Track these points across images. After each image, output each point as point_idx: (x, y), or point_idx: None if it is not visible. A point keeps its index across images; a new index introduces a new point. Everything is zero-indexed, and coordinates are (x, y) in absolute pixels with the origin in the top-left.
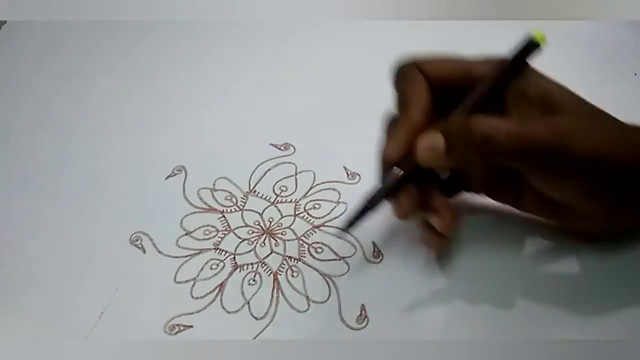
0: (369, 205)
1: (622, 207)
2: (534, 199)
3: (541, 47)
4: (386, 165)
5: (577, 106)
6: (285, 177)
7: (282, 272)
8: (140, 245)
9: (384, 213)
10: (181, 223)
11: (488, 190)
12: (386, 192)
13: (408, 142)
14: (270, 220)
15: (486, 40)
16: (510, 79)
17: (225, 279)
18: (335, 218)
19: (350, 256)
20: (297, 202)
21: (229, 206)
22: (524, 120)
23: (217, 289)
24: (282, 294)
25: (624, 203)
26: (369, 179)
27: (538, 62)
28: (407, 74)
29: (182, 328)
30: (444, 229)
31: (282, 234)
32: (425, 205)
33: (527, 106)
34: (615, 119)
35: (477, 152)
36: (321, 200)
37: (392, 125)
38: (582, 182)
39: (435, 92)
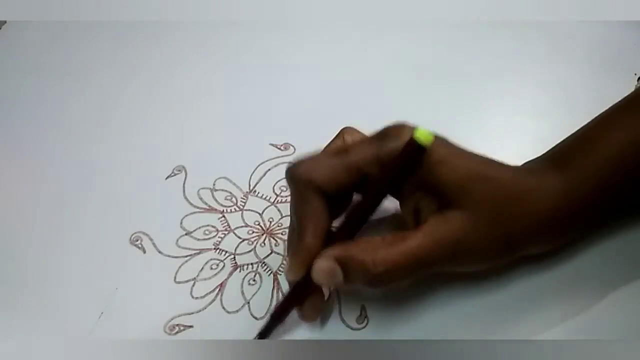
0: (275, 317)
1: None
2: None
3: (428, 147)
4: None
5: (470, 195)
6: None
7: (282, 272)
8: (140, 245)
9: (384, 213)
10: (181, 223)
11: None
12: (293, 298)
13: (305, 266)
14: (270, 220)
15: (486, 42)
16: (400, 180)
17: (225, 279)
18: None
19: None
20: None
21: (229, 206)
22: (420, 220)
23: (217, 289)
24: (282, 294)
25: (522, 254)
26: None
27: (539, 62)
28: (301, 195)
29: (182, 328)
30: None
31: (282, 234)
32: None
33: (423, 195)
34: (520, 179)
35: (376, 285)
36: None
37: (292, 242)
38: (485, 262)
39: (330, 196)
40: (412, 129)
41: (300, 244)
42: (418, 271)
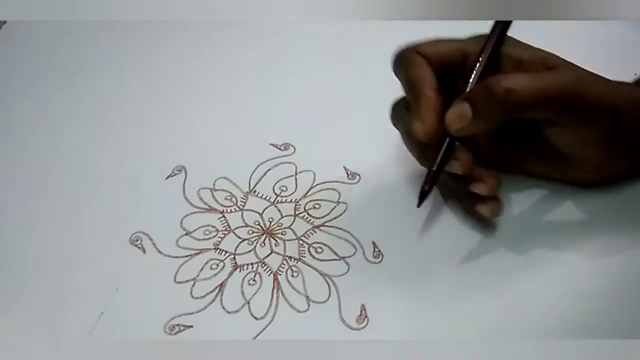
0: (434, 172)
1: (621, 153)
2: (538, 158)
3: None
4: (420, 147)
5: (573, 66)
6: (285, 177)
7: (282, 272)
8: (140, 245)
9: (384, 213)
10: (181, 223)
11: (494, 160)
12: (441, 159)
13: (436, 119)
14: (270, 220)
15: None
16: (501, 44)
17: (225, 279)
18: (335, 218)
19: (350, 256)
20: (297, 202)
21: (229, 206)
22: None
23: (217, 289)
24: (282, 294)
25: (622, 149)
26: (369, 179)
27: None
28: (410, 60)
29: (182, 328)
30: (492, 191)
31: (282, 234)
32: (465, 179)
33: (528, 69)
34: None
35: (502, 109)
36: (321, 200)
37: (407, 110)
38: (594, 128)
39: (435, 73)
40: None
41: (421, 99)
42: (544, 100)
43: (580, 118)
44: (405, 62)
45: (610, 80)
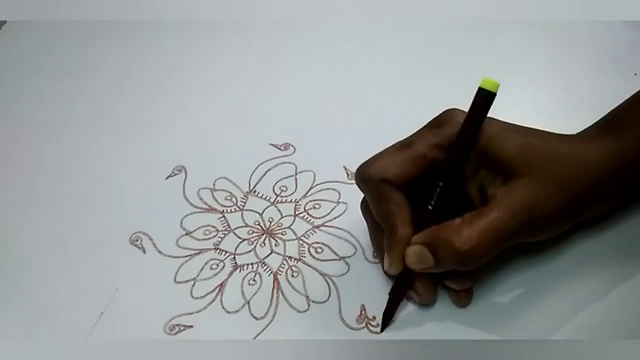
0: (393, 299)
1: (592, 212)
2: None
3: (495, 92)
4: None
5: (531, 162)
6: (285, 177)
7: (282, 272)
8: (140, 245)
9: None
10: (181, 223)
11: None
12: (399, 288)
13: (403, 258)
14: (270, 220)
15: (487, 42)
16: (469, 150)
17: (225, 279)
18: (335, 218)
19: (350, 256)
20: (297, 202)
21: (229, 206)
22: (489, 196)
23: (217, 289)
24: (282, 294)
25: (592, 213)
26: None
27: (539, 62)
28: (380, 194)
29: (182, 328)
30: (462, 287)
31: (282, 234)
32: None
33: (486, 172)
34: (569, 150)
35: (462, 265)
36: (321, 200)
37: (377, 241)
38: (557, 227)
39: (409, 193)
40: (463, 112)
41: (394, 238)
42: (501, 244)
43: (539, 232)
44: (377, 194)
45: (572, 162)
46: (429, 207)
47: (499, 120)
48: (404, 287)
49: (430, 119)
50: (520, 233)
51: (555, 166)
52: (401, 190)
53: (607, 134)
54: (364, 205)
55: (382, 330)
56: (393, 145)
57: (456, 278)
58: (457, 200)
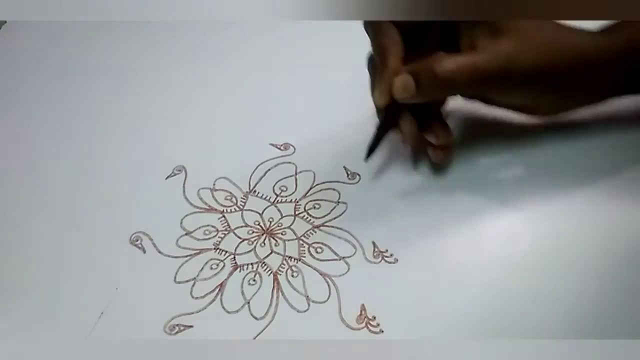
0: (379, 131)
1: (569, 97)
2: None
3: None
4: (380, 108)
5: (519, 27)
6: (285, 177)
7: (282, 272)
8: (140, 245)
9: (384, 213)
10: (181, 223)
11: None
12: (385, 123)
13: (390, 89)
14: (270, 220)
15: None
16: None
17: (225, 279)
18: (335, 218)
19: (350, 256)
20: (297, 202)
21: (229, 206)
22: (477, 48)
23: (217, 289)
24: (282, 294)
25: (569, 95)
26: (369, 179)
27: None
28: (379, 27)
29: (182, 328)
30: (443, 142)
31: (282, 234)
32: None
33: (478, 32)
34: (559, 29)
35: (441, 90)
36: (321, 200)
37: (375, 70)
38: (531, 89)
39: (404, 32)
40: None
41: (385, 70)
42: (475, 79)
43: (514, 86)
44: (375, 29)
45: (556, 37)
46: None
47: None
48: (390, 123)
49: None
50: (496, 79)
51: (541, 33)
52: (399, 29)
53: (598, 32)
54: (370, 59)
55: (366, 159)
56: None
57: (437, 130)
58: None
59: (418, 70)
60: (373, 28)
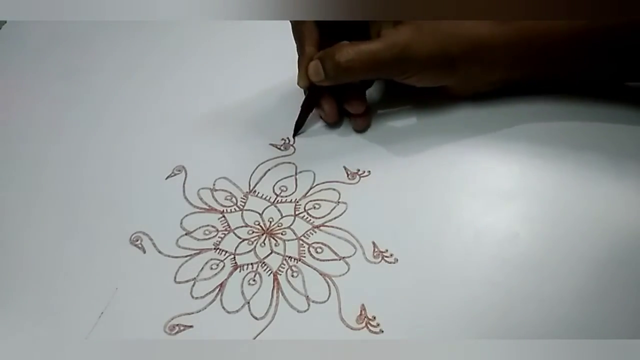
0: (303, 109)
1: (471, 79)
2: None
3: None
4: (305, 88)
5: (414, 25)
6: (285, 177)
7: (282, 272)
8: (140, 245)
9: (385, 213)
10: (181, 223)
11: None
12: (308, 103)
13: (307, 74)
14: (270, 220)
15: None
16: None
17: (225, 279)
18: (335, 218)
19: (350, 256)
20: (297, 202)
21: (229, 206)
22: (382, 36)
23: (217, 289)
24: (282, 294)
25: (471, 77)
26: (369, 179)
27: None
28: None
29: (182, 328)
30: (358, 110)
31: (282, 234)
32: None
33: (383, 21)
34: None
35: (344, 76)
36: (321, 200)
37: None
38: (429, 74)
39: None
40: None
41: (302, 56)
42: (373, 66)
43: (411, 72)
44: (293, 22)
45: (450, 29)
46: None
47: None
48: (312, 102)
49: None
50: (392, 65)
51: (436, 22)
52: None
53: (493, 22)
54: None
55: (294, 137)
56: None
57: (352, 101)
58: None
59: (324, 57)
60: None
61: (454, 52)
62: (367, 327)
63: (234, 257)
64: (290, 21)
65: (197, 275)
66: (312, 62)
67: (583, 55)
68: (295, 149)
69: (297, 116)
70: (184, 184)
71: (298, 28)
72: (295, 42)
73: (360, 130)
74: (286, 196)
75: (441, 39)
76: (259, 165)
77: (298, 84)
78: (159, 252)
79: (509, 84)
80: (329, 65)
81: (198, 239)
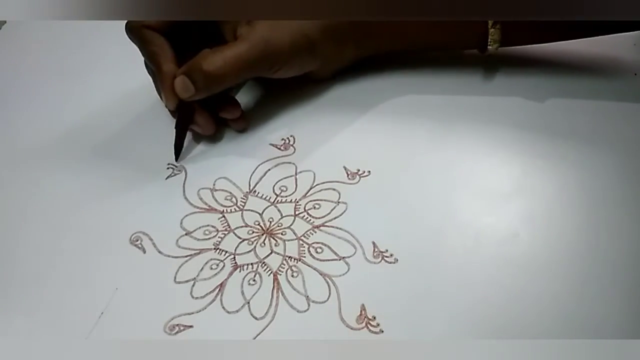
0: (178, 131)
1: (328, 59)
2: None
3: None
4: (172, 110)
5: (266, 26)
6: (285, 177)
7: (282, 272)
8: (140, 245)
9: (385, 213)
10: (181, 223)
11: None
12: (182, 122)
13: (174, 91)
14: (270, 220)
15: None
16: None
17: (225, 279)
18: (335, 218)
19: (350, 256)
20: (297, 202)
21: (229, 206)
22: (239, 37)
23: (217, 289)
24: (282, 294)
25: (329, 56)
26: (370, 179)
27: (539, 62)
28: (144, 37)
29: (182, 328)
30: (234, 115)
31: (282, 234)
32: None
33: (237, 22)
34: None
35: (216, 85)
36: (321, 200)
37: (154, 75)
38: (296, 62)
39: (168, 35)
40: None
41: (162, 75)
42: (242, 68)
43: (279, 63)
44: (141, 39)
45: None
46: (191, 49)
47: None
48: (186, 120)
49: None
50: (260, 62)
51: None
52: (164, 35)
53: None
54: (146, 64)
55: (176, 160)
56: None
57: (226, 107)
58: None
59: (190, 70)
60: (138, 38)
61: (313, 36)
62: (367, 327)
63: (234, 257)
64: (139, 45)
65: (197, 275)
66: (177, 79)
67: (424, 28)
68: (295, 149)
69: (174, 140)
70: (184, 184)
71: (149, 49)
72: (149, 65)
73: (242, 130)
74: (286, 196)
75: (297, 27)
76: (259, 165)
77: (167, 106)
78: (159, 252)
79: (360, 59)
80: (199, 77)
81: (198, 239)
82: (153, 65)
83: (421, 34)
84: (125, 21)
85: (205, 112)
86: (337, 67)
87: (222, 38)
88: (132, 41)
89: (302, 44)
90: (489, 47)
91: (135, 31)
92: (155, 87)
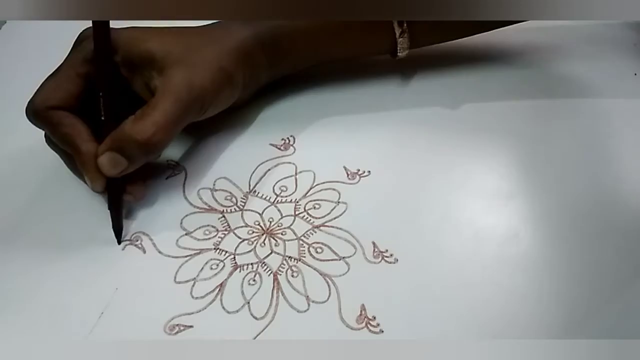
0: (113, 212)
1: (244, 85)
2: None
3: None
4: (102, 192)
5: (174, 53)
6: (285, 177)
7: (282, 272)
8: (140, 245)
9: (385, 213)
10: (181, 223)
11: None
12: (114, 202)
13: (99, 172)
14: (270, 220)
15: (486, 42)
16: (110, 56)
17: (225, 279)
18: (335, 218)
19: (350, 256)
20: (297, 202)
21: (229, 206)
22: (156, 90)
23: (217, 289)
24: (282, 294)
25: (243, 83)
26: (370, 179)
27: (539, 63)
28: (51, 120)
29: (182, 328)
30: (140, 198)
31: (282, 234)
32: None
33: (143, 71)
34: (213, 32)
35: (154, 152)
36: (321, 200)
37: (62, 150)
38: (221, 98)
39: (78, 112)
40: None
41: (82, 157)
42: (175, 125)
43: (210, 101)
44: (48, 123)
45: (209, 47)
46: (102, 118)
47: (136, 27)
48: (118, 197)
49: (76, 41)
50: (190, 110)
51: (198, 49)
52: (73, 112)
53: (241, 24)
54: (47, 138)
55: (119, 243)
56: (49, 75)
57: (133, 185)
58: (132, 104)
59: (118, 144)
60: (45, 122)
61: (229, 67)
62: (367, 327)
63: (234, 257)
64: (48, 130)
65: (197, 275)
66: (102, 157)
67: (333, 40)
68: (295, 149)
69: (111, 222)
70: (184, 184)
71: (60, 132)
72: (61, 147)
73: (141, 199)
74: (286, 196)
75: (214, 61)
76: (259, 165)
77: (95, 189)
78: (159, 252)
79: (274, 78)
80: (133, 148)
81: (198, 239)
82: (70, 149)
83: (332, 46)
84: (28, 103)
85: (135, 177)
86: (254, 90)
87: (135, 96)
88: (38, 127)
89: (221, 77)
90: (399, 54)
91: (40, 116)
92: (69, 168)
